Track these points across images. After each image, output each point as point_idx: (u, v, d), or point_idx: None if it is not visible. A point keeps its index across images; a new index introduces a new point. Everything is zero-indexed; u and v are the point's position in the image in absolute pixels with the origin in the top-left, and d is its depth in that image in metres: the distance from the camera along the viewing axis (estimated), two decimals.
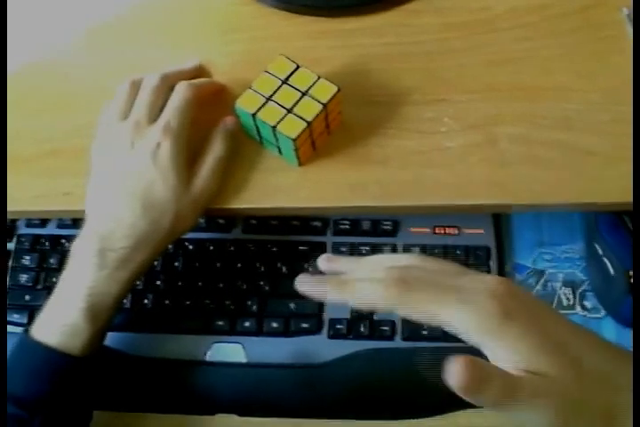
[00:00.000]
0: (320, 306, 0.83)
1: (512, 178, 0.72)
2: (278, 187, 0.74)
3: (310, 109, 0.68)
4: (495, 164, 0.72)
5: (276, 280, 0.84)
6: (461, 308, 0.49)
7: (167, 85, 0.73)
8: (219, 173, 0.73)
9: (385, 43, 0.79)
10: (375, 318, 0.82)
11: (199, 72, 0.78)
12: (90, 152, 0.73)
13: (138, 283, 0.83)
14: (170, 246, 0.85)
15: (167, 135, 0.69)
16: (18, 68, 0.82)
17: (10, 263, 0.87)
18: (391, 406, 0.79)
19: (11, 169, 0.76)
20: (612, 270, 0.81)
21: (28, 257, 0.86)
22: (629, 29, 0.76)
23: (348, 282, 0.55)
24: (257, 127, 0.71)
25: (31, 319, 0.80)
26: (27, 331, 0.68)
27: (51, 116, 0.80)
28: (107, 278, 0.68)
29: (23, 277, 0.85)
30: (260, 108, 0.68)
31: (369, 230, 0.86)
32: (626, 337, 0.81)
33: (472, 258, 0.84)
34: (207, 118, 0.73)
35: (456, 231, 0.86)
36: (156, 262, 0.85)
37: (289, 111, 0.68)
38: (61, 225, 0.88)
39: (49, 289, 0.72)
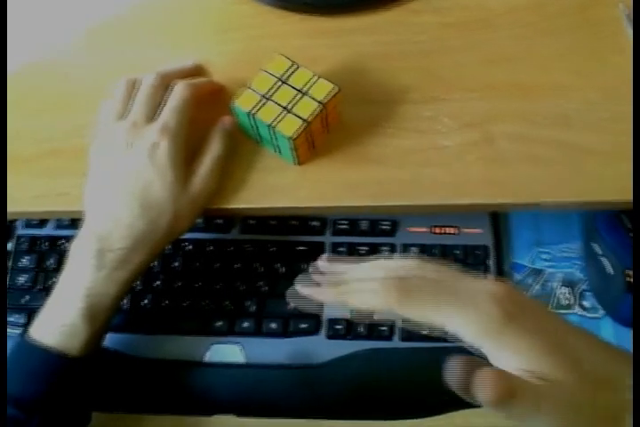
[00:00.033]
0: (319, 306, 0.83)
1: (510, 177, 0.72)
2: (276, 186, 0.74)
3: (308, 108, 0.68)
4: (493, 162, 0.72)
5: (274, 281, 0.84)
6: (462, 312, 0.49)
7: (164, 85, 0.73)
8: (217, 173, 0.72)
9: (383, 42, 0.79)
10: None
11: (196, 71, 0.78)
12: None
13: (136, 284, 0.83)
14: (168, 247, 0.84)
15: (165, 135, 0.69)
16: (18, 68, 0.82)
17: (8, 264, 0.87)
18: (389, 407, 0.79)
19: (11, 169, 0.76)
20: (610, 270, 0.81)
21: (26, 258, 0.86)
22: (627, 26, 0.76)
23: (349, 286, 0.56)
24: (255, 126, 0.71)
25: (30, 320, 0.80)
26: (25, 332, 0.68)
27: (51, 116, 0.80)
28: (105, 279, 0.68)
29: (22, 278, 0.86)
30: (257, 108, 0.68)
31: (367, 230, 0.86)
32: (624, 337, 0.81)
33: (470, 258, 0.84)
34: (205, 118, 0.73)
35: (454, 231, 0.86)
36: (154, 263, 0.85)
37: (287, 110, 0.68)
38: (60, 226, 0.88)
39: (47, 290, 0.72)
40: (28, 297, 0.85)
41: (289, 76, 0.69)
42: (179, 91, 0.71)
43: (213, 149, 0.73)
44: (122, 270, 0.68)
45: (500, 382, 0.45)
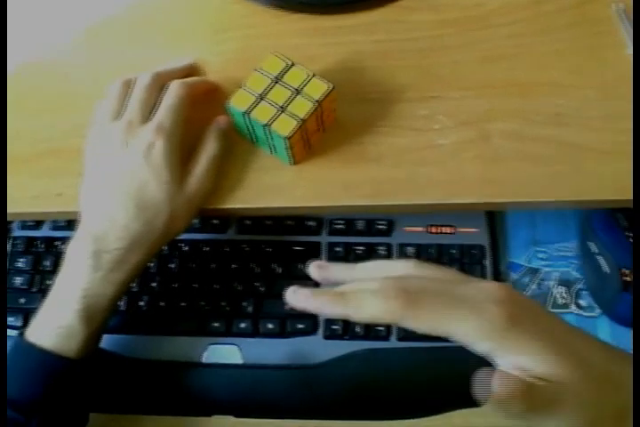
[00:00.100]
0: None
1: (507, 175, 0.72)
2: (272, 186, 0.74)
3: (303, 107, 0.68)
4: (489, 161, 0.72)
5: (271, 281, 0.84)
6: (467, 318, 0.49)
7: (159, 84, 0.72)
8: (213, 173, 0.72)
9: (378, 40, 0.79)
10: None
11: (191, 71, 0.78)
12: None
13: (133, 285, 0.83)
14: (165, 248, 0.85)
15: (160, 135, 0.68)
16: (18, 68, 0.82)
17: None
18: (387, 406, 0.79)
19: (10, 169, 0.75)
20: (606, 268, 0.81)
21: (22, 259, 0.86)
22: (621, 25, 0.76)
23: (347, 294, 0.53)
24: (250, 126, 0.71)
25: (26, 322, 0.80)
26: (22, 334, 0.68)
27: (50, 116, 0.79)
28: (101, 280, 0.68)
29: (18, 280, 0.85)
30: (252, 107, 0.68)
31: (364, 230, 0.86)
32: (621, 335, 0.81)
33: (467, 257, 0.84)
34: (200, 117, 0.73)
35: (451, 230, 0.86)
36: (151, 264, 0.85)
37: (282, 110, 0.68)
38: (56, 227, 0.88)
39: (44, 292, 0.72)
40: (24, 299, 0.84)
41: (283, 75, 0.69)
42: (174, 90, 0.71)
43: (209, 149, 0.72)
44: (118, 271, 0.68)
45: (512, 383, 0.46)
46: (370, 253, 0.85)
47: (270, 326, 0.82)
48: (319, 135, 0.73)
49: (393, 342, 0.82)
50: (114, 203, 0.69)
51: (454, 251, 0.84)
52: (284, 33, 0.80)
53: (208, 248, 0.87)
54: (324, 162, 0.74)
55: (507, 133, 0.73)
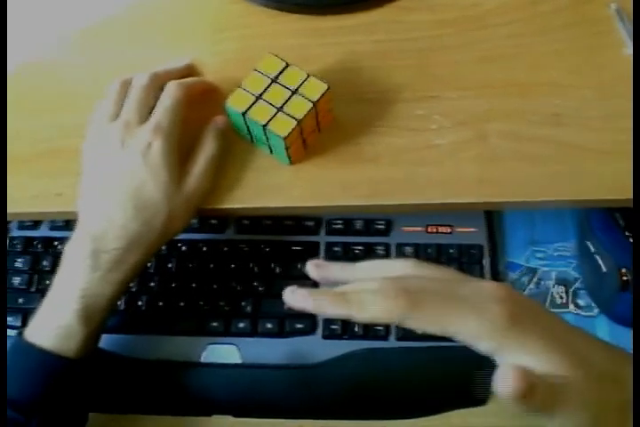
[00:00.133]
0: None
1: (505, 175, 0.72)
2: (270, 186, 0.74)
3: (300, 108, 0.68)
4: (487, 161, 0.72)
5: (269, 281, 0.84)
6: (469, 317, 0.49)
7: (157, 85, 0.72)
8: (211, 173, 0.72)
9: (376, 40, 0.79)
10: None
11: (189, 71, 0.78)
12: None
13: (132, 285, 0.83)
14: (163, 248, 0.85)
15: (158, 135, 0.68)
16: (18, 68, 0.82)
17: None
18: (386, 406, 0.79)
19: (10, 169, 0.75)
20: (604, 268, 0.81)
21: (20, 260, 0.86)
22: (619, 25, 0.76)
23: (348, 295, 0.53)
24: (247, 126, 0.71)
25: (25, 322, 0.80)
26: (21, 334, 0.68)
27: (50, 116, 0.79)
28: (100, 280, 0.68)
29: (16, 280, 0.85)
30: (250, 107, 0.68)
31: (362, 230, 0.86)
32: (619, 335, 0.81)
33: (465, 257, 0.84)
34: (198, 117, 0.73)
35: (449, 230, 0.86)
36: (149, 264, 0.85)
37: (279, 110, 0.68)
38: (54, 227, 0.88)
39: (42, 292, 0.72)
40: (22, 299, 0.85)
41: (281, 75, 0.69)
42: (171, 90, 0.71)
43: (207, 149, 0.72)
44: (117, 271, 0.68)
45: (521, 378, 0.46)
46: (368, 253, 0.85)
47: (269, 325, 0.82)
48: (316, 135, 0.73)
49: (392, 342, 0.82)
50: (112, 203, 0.69)
51: (453, 250, 0.84)
52: (281, 33, 0.80)
53: (206, 248, 0.87)
54: (321, 162, 0.74)
55: (505, 133, 0.73)
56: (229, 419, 0.80)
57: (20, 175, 0.76)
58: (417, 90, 0.76)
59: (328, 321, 0.82)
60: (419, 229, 0.86)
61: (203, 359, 0.82)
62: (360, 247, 0.85)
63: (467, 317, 0.49)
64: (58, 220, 0.88)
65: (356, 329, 0.82)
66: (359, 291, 0.53)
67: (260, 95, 0.68)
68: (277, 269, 0.85)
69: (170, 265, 0.86)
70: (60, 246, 0.86)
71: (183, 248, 0.86)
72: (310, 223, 0.86)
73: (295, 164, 0.74)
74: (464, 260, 0.84)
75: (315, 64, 0.75)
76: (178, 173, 0.70)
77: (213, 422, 0.80)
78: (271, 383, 0.81)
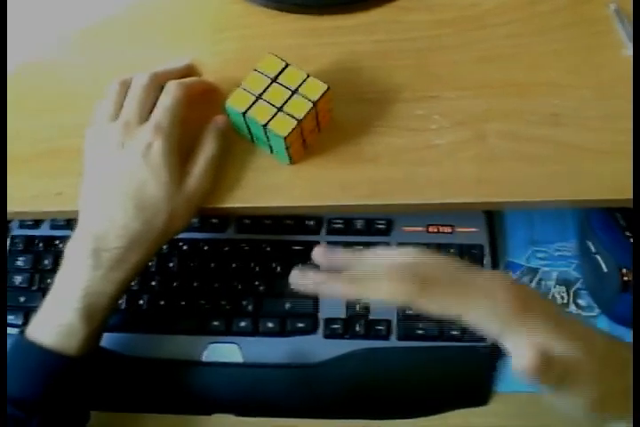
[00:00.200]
0: (315, 306, 0.83)
1: (504, 175, 0.72)
2: (271, 185, 0.74)
3: (300, 107, 0.68)
4: (486, 161, 0.72)
5: (270, 280, 0.85)
6: (479, 300, 0.53)
7: (157, 85, 0.72)
8: (211, 172, 0.72)
9: (375, 40, 0.79)
10: (370, 317, 0.83)
11: (189, 71, 0.78)
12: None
13: (133, 284, 0.83)
14: (164, 247, 0.85)
15: (158, 135, 0.68)
16: (18, 68, 0.82)
17: None
18: (387, 406, 0.80)
19: (10, 169, 0.76)
20: (605, 268, 0.81)
21: (22, 258, 0.87)
22: (618, 25, 0.76)
23: (360, 278, 0.57)
24: (248, 126, 0.71)
25: (26, 321, 0.80)
26: (22, 332, 0.68)
27: (50, 116, 0.79)
28: (101, 279, 0.68)
29: (18, 279, 0.86)
30: (250, 107, 0.68)
31: (362, 229, 0.86)
32: (620, 334, 0.81)
33: (466, 257, 0.84)
34: (198, 117, 0.73)
35: (449, 230, 0.86)
36: (150, 263, 0.85)
37: (279, 109, 0.68)
38: (55, 226, 0.89)
39: (44, 290, 0.72)
40: (24, 298, 0.85)
41: (281, 75, 0.69)
42: (171, 90, 0.71)
43: (207, 149, 0.72)
44: (118, 270, 0.68)
45: (539, 351, 0.50)
46: None
47: (270, 324, 0.83)
48: (316, 135, 0.74)
49: (393, 342, 0.82)
50: (113, 203, 0.69)
51: (453, 250, 0.85)
52: (280, 33, 0.80)
53: (207, 247, 0.87)
54: (321, 162, 0.74)
55: (503, 133, 0.73)
56: (230, 418, 0.81)
57: (20, 175, 0.76)
58: (416, 90, 0.76)
59: (329, 320, 0.83)
60: (419, 228, 0.86)
61: (204, 358, 0.83)
62: (360, 247, 0.85)
63: (477, 299, 0.53)
64: (59, 219, 0.88)
65: (358, 329, 0.82)
66: (372, 273, 0.56)
67: (260, 95, 0.68)
68: (278, 269, 0.85)
69: (171, 264, 0.86)
70: (61, 245, 0.86)
71: (184, 247, 0.87)
72: (311, 223, 0.87)
73: (295, 163, 0.74)
74: (464, 260, 0.84)
75: (314, 64, 0.75)
76: (178, 173, 0.70)
77: (214, 421, 0.81)
78: (272, 383, 0.81)
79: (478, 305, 0.53)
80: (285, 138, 0.67)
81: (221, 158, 0.74)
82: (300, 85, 0.68)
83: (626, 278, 0.79)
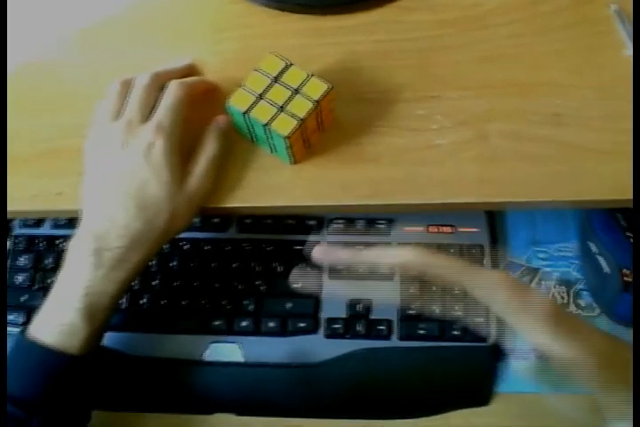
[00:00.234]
0: (316, 306, 0.83)
1: (505, 175, 0.72)
2: (272, 185, 0.74)
3: (302, 107, 0.68)
4: (488, 161, 0.72)
5: (272, 280, 0.85)
6: (484, 273, 0.57)
7: (158, 84, 0.72)
8: (213, 172, 0.72)
9: (377, 40, 0.79)
10: (371, 317, 0.83)
11: (190, 71, 0.78)
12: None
13: (134, 283, 0.83)
14: (165, 246, 0.85)
15: (160, 134, 0.68)
16: (18, 68, 0.82)
17: None
18: (387, 406, 0.80)
19: (10, 169, 0.76)
20: (606, 268, 0.81)
21: (23, 258, 0.87)
22: (619, 26, 0.76)
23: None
24: (249, 126, 0.71)
25: (28, 320, 0.80)
26: (23, 331, 0.68)
27: (50, 116, 0.79)
28: (103, 278, 0.68)
29: (19, 278, 0.86)
30: (251, 107, 0.68)
31: (364, 229, 0.86)
32: (620, 335, 0.81)
33: (467, 257, 0.84)
34: (199, 117, 0.73)
35: (450, 230, 0.86)
36: (151, 263, 0.85)
37: (281, 109, 0.68)
38: (56, 225, 0.89)
39: (45, 289, 0.72)
40: (26, 296, 0.85)
41: (282, 75, 0.69)
42: (172, 90, 0.71)
43: (209, 149, 0.72)
44: (119, 270, 0.68)
45: (551, 304, 0.54)
46: None
47: (271, 324, 0.83)
48: (318, 135, 0.74)
49: (394, 342, 0.82)
50: (114, 203, 0.69)
51: (454, 250, 0.85)
52: (282, 33, 0.80)
53: (209, 247, 0.87)
54: (322, 162, 0.74)
55: (505, 133, 0.73)
56: (231, 417, 0.81)
57: (20, 175, 0.76)
58: (418, 90, 0.76)
59: (330, 320, 0.83)
60: (420, 228, 0.86)
61: (205, 358, 0.83)
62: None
63: (482, 273, 0.57)
64: (60, 218, 0.89)
65: (358, 328, 0.82)
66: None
67: (262, 95, 0.68)
68: (279, 269, 0.85)
69: (172, 264, 0.86)
70: (62, 245, 0.87)
71: (185, 247, 0.87)
72: (312, 222, 0.87)
73: (297, 163, 0.74)
74: (465, 259, 0.84)
75: (315, 64, 0.75)
76: (180, 172, 0.70)
77: (215, 421, 0.81)
78: (273, 382, 0.81)
79: (483, 278, 0.56)
80: (287, 137, 0.67)
81: (223, 158, 0.74)
82: (301, 85, 0.68)
83: (626, 279, 0.79)
